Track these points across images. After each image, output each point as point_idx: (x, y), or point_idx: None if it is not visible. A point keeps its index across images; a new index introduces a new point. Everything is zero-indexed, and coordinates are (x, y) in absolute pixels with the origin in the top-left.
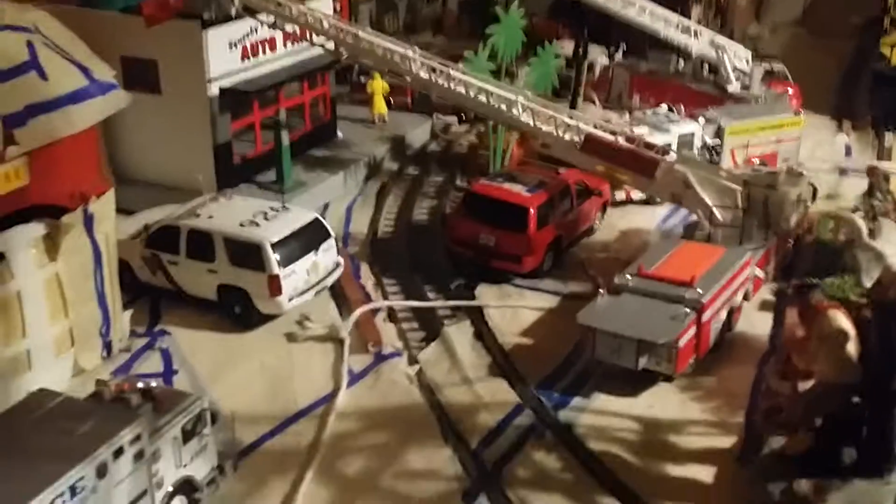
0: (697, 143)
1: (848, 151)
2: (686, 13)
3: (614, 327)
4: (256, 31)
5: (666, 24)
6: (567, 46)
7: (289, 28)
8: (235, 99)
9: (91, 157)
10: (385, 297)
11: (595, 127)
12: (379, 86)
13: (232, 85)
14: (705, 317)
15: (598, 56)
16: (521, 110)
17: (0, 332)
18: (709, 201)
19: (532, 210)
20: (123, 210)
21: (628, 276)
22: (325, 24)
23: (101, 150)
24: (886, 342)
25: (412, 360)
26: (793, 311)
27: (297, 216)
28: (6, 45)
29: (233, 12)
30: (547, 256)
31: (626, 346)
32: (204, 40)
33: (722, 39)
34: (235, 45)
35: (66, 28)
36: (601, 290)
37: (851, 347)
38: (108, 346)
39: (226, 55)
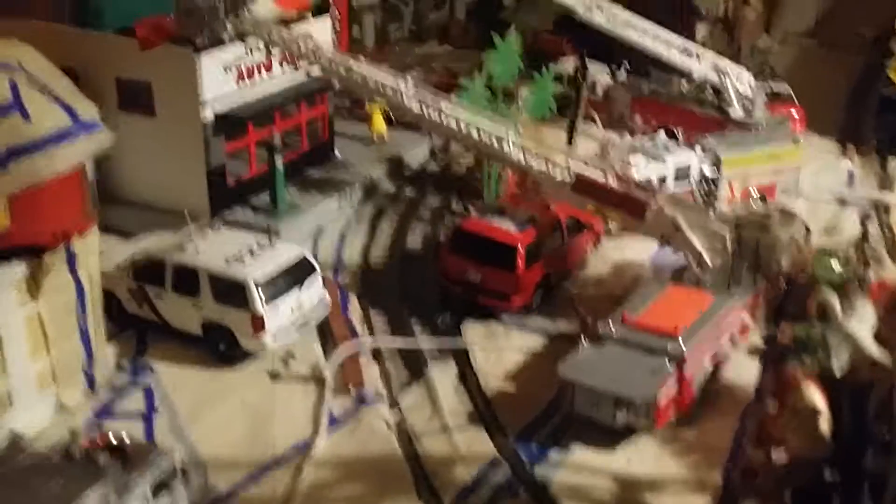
0: (694, 174)
1: (851, 178)
2: (691, 30)
3: (592, 381)
4: (252, 53)
5: (668, 46)
6: (571, 63)
7: (279, 56)
8: (229, 122)
9: (75, 196)
10: (371, 333)
11: (586, 165)
12: (378, 105)
13: (226, 108)
14: (688, 370)
15: (601, 75)
16: (511, 147)
17: None
18: (698, 244)
19: (521, 248)
20: (118, 231)
21: (611, 325)
22: (318, 55)
23: (85, 188)
24: (859, 421)
25: (393, 404)
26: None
27: (284, 252)
28: None
29: (226, 38)
30: (536, 293)
31: (603, 401)
32: (197, 65)
33: (725, 63)
34: (230, 69)
35: (50, 64)
36: (583, 339)
37: (824, 424)
38: (91, 382)
39: (220, 78)
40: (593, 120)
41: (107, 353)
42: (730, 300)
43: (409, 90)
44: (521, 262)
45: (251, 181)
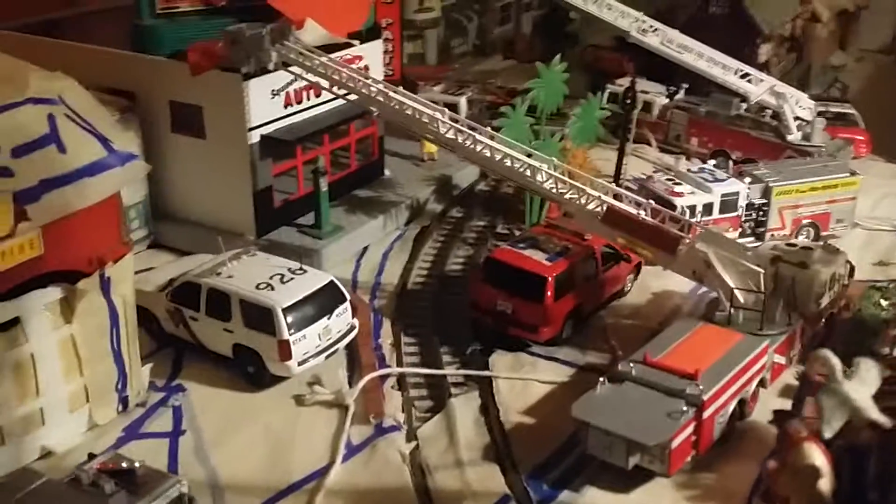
0: (742, 202)
1: None
2: (754, 51)
3: (606, 423)
4: (298, 80)
5: (724, 69)
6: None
7: (324, 83)
8: (276, 144)
9: (110, 223)
10: (400, 360)
11: (620, 199)
12: None
13: (272, 132)
14: (707, 413)
15: (658, 96)
16: (544, 178)
17: (13, 391)
18: (730, 282)
19: (550, 280)
20: (171, 248)
21: (632, 365)
22: (357, 84)
23: (120, 216)
24: (858, 483)
25: (412, 435)
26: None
27: (313, 279)
28: (27, 119)
29: (271, 66)
30: (566, 325)
31: (616, 443)
32: (245, 91)
33: (784, 87)
34: (278, 94)
35: (90, 96)
36: (602, 379)
37: (824, 484)
38: (124, 401)
39: (268, 103)
40: (648, 142)
41: (141, 373)
42: (761, 340)
43: (446, 119)
44: (549, 294)
45: (298, 202)
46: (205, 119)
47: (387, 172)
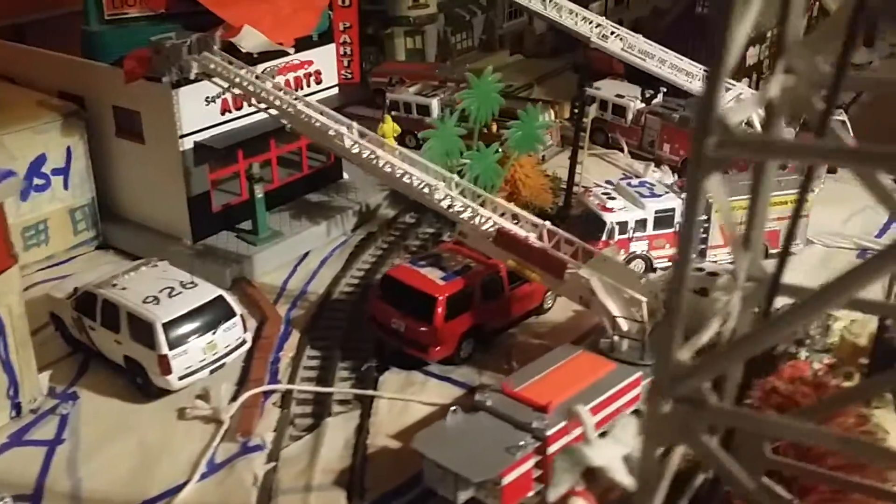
0: (678, 219)
1: (891, 221)
2: (741, 54)
3: (439, 456)
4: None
5: (689, 76)
6: (612, 85)
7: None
8: (210, 150)
9: None
10: (293, 376)
11: (518, 220)
12: (389, 129)
13: (205, 139)
14: (554, 448)
15: (632, 100)
16: (441, 196)
17: None
18: (614, 309)
19: (440, 300)
20: (117, 249)
21: (487, 394)
22: (271, 96)
23: (5, 229)
24: None
25: (275, 455)
26: None
27: (201, 293)
28: None
29: (192, 76)
30: (464, 344)
31: (447, 477)
32: (175, 98)
33: (749, 95)
34: (214, 100)
35: None
36: (454, 408)
37: None
38: (17, 407)
39: (202, 110)
40: (620, 148)
41: (37, 380)
42: (634, 370)
43: (350, 133)
44: (439, 314)
45: (241, 207)
46: (143, 125)
47: (346, 176)
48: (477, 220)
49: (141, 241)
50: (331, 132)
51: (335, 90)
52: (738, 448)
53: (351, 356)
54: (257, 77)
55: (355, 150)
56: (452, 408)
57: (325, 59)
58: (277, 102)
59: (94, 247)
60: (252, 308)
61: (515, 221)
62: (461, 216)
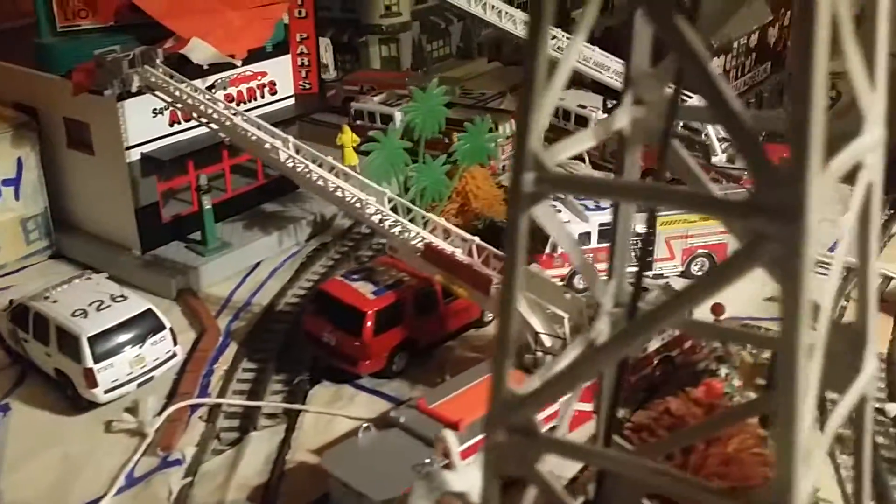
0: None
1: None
2: None
3: (344, 474)
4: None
5: None
6: (575, 95)
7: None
8: (157, 162)
9: None
10: (224, 389)
11: (448, 234)
12: (348, 139)
13: (152, 151)
14: None
15: (594, 110)
16: (372, 211)
17: None
18: (537, 325)
19: (369, 314)
20: (70, 259)
21: (402, 411)
22: (209, 110)
23: None
24: None
25: (193, 470)
26: None
27: (130, 307)
28: None
29: (134, 89)
30: (396, 358)
31: (351, 496)
32: (120, 111)
33: None
34: (161, 112)
35: None
36: (366, 425)
37: None
38: None
39: (149, 122)
40: (581, 158)
41: None
42: None
43: (285, 147)
44: (368, 328)
45: (191, 217)
46: (92, 136)
47: None
48: (406, 235)
49: (93, 251)
50: (266, 146)
51: (291, 101)
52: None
53: (286, 369)
54: (197, 90)
55: (290, 164)
56: (364, 425)
57: (279, 70)
58: (215, 116)
59: (48, 256)
60: (193, 319)
61: (446, 237)
62: (391, 231)
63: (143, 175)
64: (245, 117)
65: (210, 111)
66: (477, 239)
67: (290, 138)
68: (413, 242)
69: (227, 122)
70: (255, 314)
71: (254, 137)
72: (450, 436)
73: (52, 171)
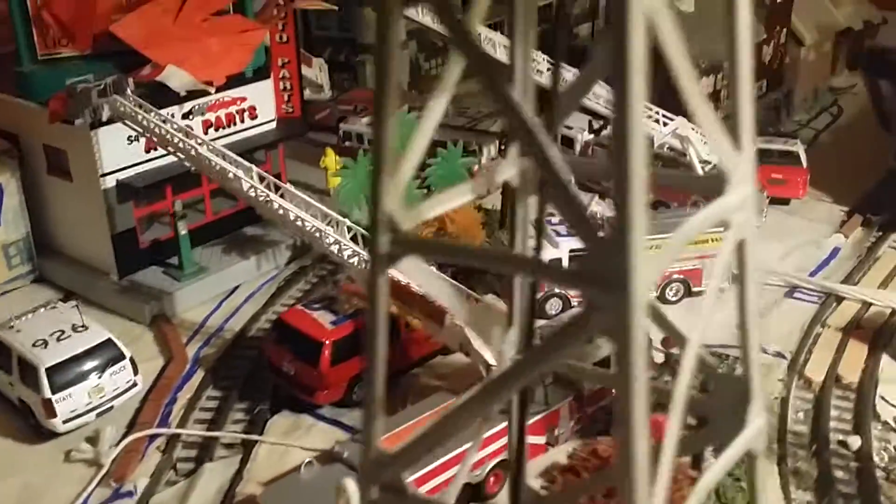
0: None
1: (829, 260)
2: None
3: None
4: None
5: None
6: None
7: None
8: (132, 188)
9: None
10: (185, 418)
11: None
12: (331, 162)
13: (127, 177)
14: None
15: (580, 131)
16: (331, 241)
17: None
18: (490, 359)
19: (326, 344)
20: (52, 284)
21: (345, 445)
22: (175, 139)
23: None
24: None
25: (145, 502)
26: None
27: (90, 337)
28: None
29: (104, 118)
30: (357, 388)
31: None
32: (94, 139)
33: (686, 129)
34: (137, 139)
35: None
36: (308, 460)
37: None
38: None
39: (124, 149)
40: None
41: None
42: (504, 421)
43: (248, 177)
44: (325, 358)
45: (170, 242)
46: (70, 163)
47: None
48: (363, 265)
49: (73, 276)
50: (229, 175)
51: (272, 125)
52: None
53: (249, 397)
54: (165, 120)
55: (251, 193)
56: (307, 460)
57: (260, 95)
58: (181, 145)
59: (31, 280)
60: (163, 346)
61: None
62: (350, 260)
63: (119, 201)
64: (211, 147)
65: (176, 140)
66: (433, 268)
67: (255, 168)
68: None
69: (192, 152)
70: (226, 340)
71: (217, 167)
72: (350, 485)
73: (33, 197)
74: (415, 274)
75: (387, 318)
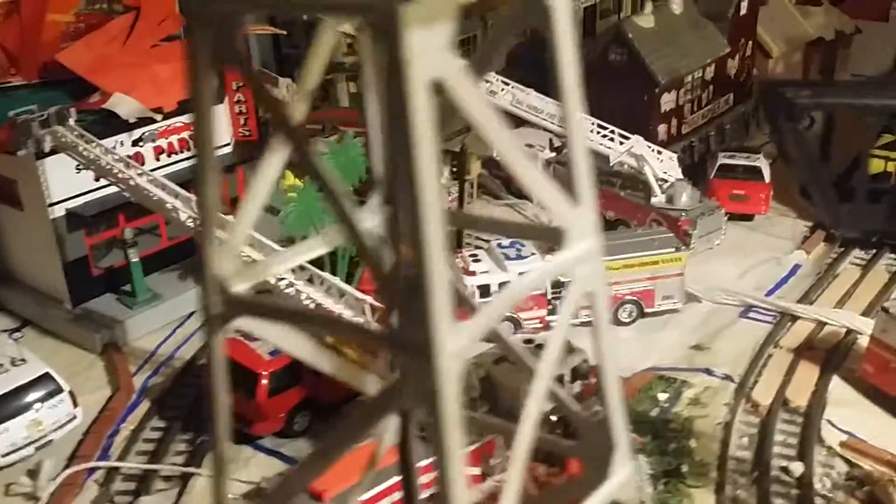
0: (546, 281)
1: (788, 277)
2: (654, 102)
3: None
4: (114, 150)
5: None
6: (523, 134)
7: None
8: (82, 217)
9: None
10: (126, 450)
11: (343, 295)
12: (291, 182)
13: (76, 206)
14: None
15: (541, 150)
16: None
17: None
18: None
19: (263, 374)
20: (10, 312)
21: (274, 481)
22: (115, 170)
23: None
24: None
25: None
26: None
27: (26, 371)
28: None
29: (47, 149)
30: (297, 418)
31: None
32: (41, 168)
33: (642, 148)
34: (85, 169)
35: None
36: (234, 497)
37: None
38: None
39: (73, 178)
40: (529, 198)
41: None
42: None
43: (186, 207)
44: (262, 390)
45: (125, 269)
46: (20, 193)
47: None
48: (298, 295)
49: (28, 304)
50: (168, 206)
51: (228, 149)
52: None
53: (192, 428)
54: (106, 151)
55: (190, 224)
56: (231, 496)
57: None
58: (120, 176)
59: None
60: (112, 376)
61: (341, 296)
62: (285, 291)
63: (70, 230)
64: (150, 178)
65: (115, 171)
66: (368, 298)
67: (192, 197)
68: (304, 303)
69: (131, 182)
70: (175, 369)
71: (155, 197)
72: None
73: None
74: (263, 331)
75: (227, 377)
